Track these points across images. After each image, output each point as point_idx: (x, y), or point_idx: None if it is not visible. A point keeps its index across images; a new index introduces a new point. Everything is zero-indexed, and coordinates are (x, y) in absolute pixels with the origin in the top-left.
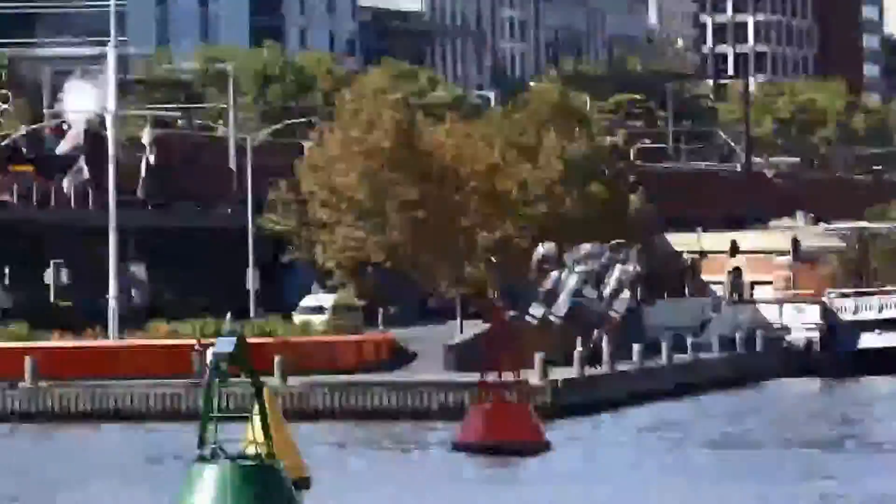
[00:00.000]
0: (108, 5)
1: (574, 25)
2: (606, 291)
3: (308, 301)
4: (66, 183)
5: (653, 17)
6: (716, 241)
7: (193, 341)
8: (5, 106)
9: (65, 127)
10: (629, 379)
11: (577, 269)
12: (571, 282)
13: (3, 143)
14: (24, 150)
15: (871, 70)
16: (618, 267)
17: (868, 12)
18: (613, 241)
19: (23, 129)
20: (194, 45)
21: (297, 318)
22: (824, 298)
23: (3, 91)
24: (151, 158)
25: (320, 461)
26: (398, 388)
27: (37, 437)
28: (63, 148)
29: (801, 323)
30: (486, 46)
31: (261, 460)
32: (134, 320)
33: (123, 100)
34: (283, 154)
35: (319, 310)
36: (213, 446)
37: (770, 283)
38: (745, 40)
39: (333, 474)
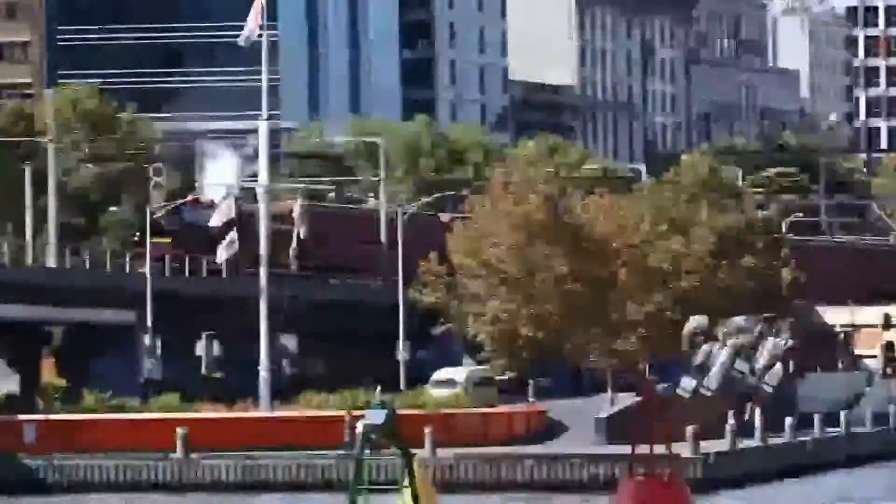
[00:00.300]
0: (259, 79)
1: (726, 99)
2: (758, 365)
3: (440, 375)
4: (218, 255)
5: (805, 91)
6: (868, 314)
7: (344, 413)
8: (158, 179)
9: (203, 199)
10: (781, 453)
11: (729, 342)
12: (723, 355)
13: (155, 216)
14: (162, 222)
15: None
16: (770, 340)
17: None
18: (765, 315)
19: (161, 202)
20: (346, 118)
21: (429, 391)
22: None
23: (157, 165)
24: (302, 231)
25: None
26: (549, 460)
27: None
28: (215, 221)
29: None
30: (637, 120)
31: None
32: (285, 392)
33: (275, 173)
34: (433, 227)
35: (451, 383)
36: None
37: None
38: None
39: None
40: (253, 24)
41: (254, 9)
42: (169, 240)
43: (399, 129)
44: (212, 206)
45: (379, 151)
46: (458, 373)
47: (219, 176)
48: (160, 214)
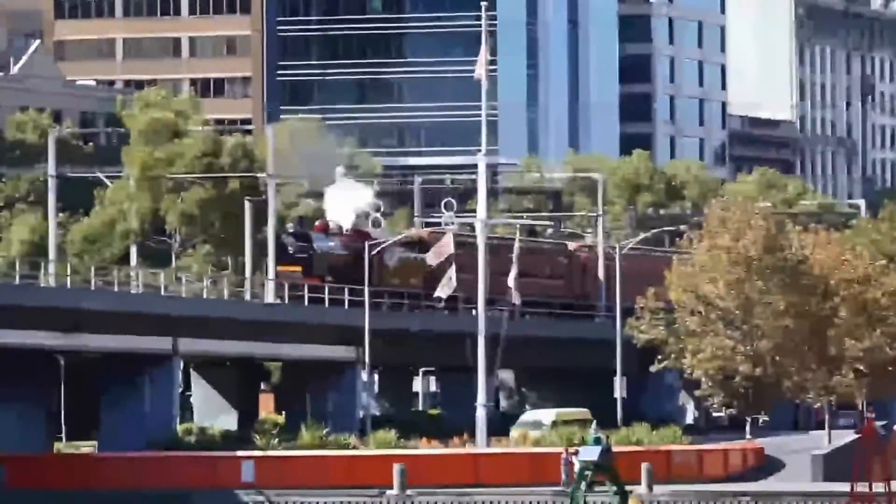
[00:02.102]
0: (479, 115)
1: None
2: None
3: (527, 416)
4: (437, 291)
5: None
6: None
7: (560, 450)
8: (376, 214)
9: (332, 226)
10: None
11: None
12: None
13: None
14: (291, 249)
15: None
16: None
17: None
18: None
19: (290, 227)
20: (563, 153)
21: (514, 432)
22: None
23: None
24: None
25: None
26: (765, 497)
27: None
28: (433, 260)
29: None
30: (857, 155)
31: None
32: (502, 428)
33: (493, 208)
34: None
35: (537, 425)
36: None
37: None
38: None
39: None
40: (483, 61)
41: (482, 48)
42: (299, 268)
43: (617, 165)
44: (339, 233)
45: (597, 187)
46: (546, 415)
47: (346, 205)
48: (285, 240)
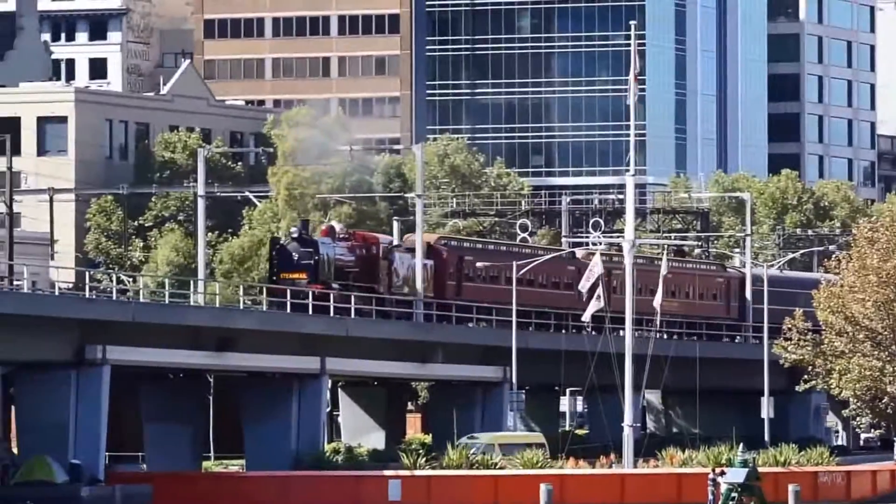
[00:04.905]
0: (627, 134)
1: None
2: None
3: (474, 438)
4: (585, 315)
5: None
6: None
7: (707, 470)
8: (524, 235)
9: (339, 231)
10: None
11: None
12: None
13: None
14: (295, 255)
15: None
16: None
17: None
18: None
19: (294, 232)
20: (711, 172)
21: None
22: None
23: (524, 220)
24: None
25: None
26: None
27: None
28: (584, 285)
29: None
30: None
31: None
32: (648, 448)
33: (641, 228)
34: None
35: (471, 445)
36: None
37: None
38: None
39: None
40: (633, 82)
41: (632, 68)
42: (304, 275)
43: (765, 184)
44: (346, 238)
45: (745, 206)
46: (485, 437)
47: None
48: (294, 248)
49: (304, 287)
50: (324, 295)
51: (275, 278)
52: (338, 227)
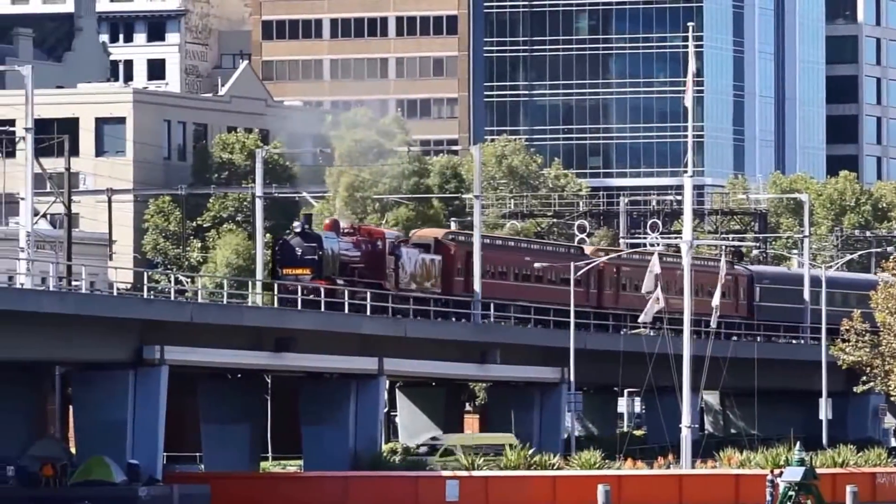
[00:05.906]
0: (685, 135)
1: None
2: None
3: (425, 439)
4: (643, 317)
5: None
6: None
7: (765, 472)
8: (582, 235)
9: (344, 225)
10: None
11: None
12: None
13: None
14: (298, 250)
15: None
16: None
17: None
18: None
19: (297, 227)
20: (769, 174)
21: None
22: None
23: (582, 221)
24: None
25: None
26: None
27: None
28: (648, 286)
29: None
30: None
31: None
32: (706, 449)
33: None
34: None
35: (433, 446)
36: None
37: None
38: None
39: None
40: (690, 83)
41: (690, 69)
42: (308, 270)
43: (823, 186)
44: (351, 233)
45: (803, 208)
46: (448, 438)
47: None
48: (297, 243)
49: (308, 283)
50: (382, 296)
51: (277, 274)
52: (343, 221)
